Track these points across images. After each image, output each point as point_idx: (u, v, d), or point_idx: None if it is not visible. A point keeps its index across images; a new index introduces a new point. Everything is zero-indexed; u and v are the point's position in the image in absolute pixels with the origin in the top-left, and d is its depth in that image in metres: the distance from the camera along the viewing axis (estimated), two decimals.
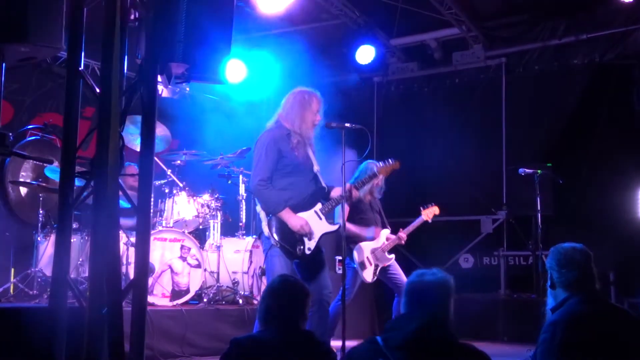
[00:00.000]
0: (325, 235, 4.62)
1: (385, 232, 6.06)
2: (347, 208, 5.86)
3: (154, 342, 5.31)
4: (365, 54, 8.99)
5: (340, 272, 5.17)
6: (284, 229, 4.48)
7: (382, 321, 7.83)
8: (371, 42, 8.99)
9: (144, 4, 3.66)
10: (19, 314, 4.55)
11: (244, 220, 7.28)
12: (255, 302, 6.48)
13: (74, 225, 5.54)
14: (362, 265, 5.85)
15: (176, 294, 6.12)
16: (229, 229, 7.36)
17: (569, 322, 2.75)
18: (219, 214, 6.98)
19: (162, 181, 6.94)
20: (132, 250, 5.71)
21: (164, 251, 6.17)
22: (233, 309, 6.29)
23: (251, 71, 8.74)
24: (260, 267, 6.78)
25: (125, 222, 6.02)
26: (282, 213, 4.47)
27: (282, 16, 8.02)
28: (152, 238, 5.63)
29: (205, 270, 6.40)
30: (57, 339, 3.48)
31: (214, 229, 6.96)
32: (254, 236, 7.00)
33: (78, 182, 3.88)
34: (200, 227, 7.01)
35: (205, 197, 6.90)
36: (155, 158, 4.59)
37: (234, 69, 8.37)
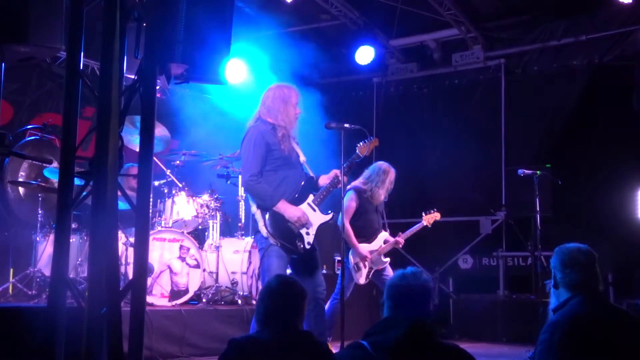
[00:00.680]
0: (322, 229, 4.61)
1: (384, 235, 6.06)
2: (353, 206, 5.85)
3: (153, 342, 5.32)
4: (365, 55, 9.00)
5: (340, 272, 5.17)
6: (281, 227, 4.48)
7: None
8: (371, 42, 9.00)
9: (144, 4, 3.65)
10: (18, 314, 4.56)
11: (243, 221, 7.28)
12: (254, 302, 6.48)
13: (73, 225, 5.54)
14: (357, 267, 5.87)
15: (175, 294, 6.12)
16: (228, 229, 7.37)
17: (569, 323, 2.75)
18: (218, 214, 6.98)
19: (162, 181, 6.95)
20: (131, 250, 5.71)
21: (163, 251, 6.17)
22: (232, 309, 6.29)
23: (251, 71, 8.73)
24: (259, 267, 6.77)
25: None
26: (279, 205, 4.47)
27: (282, 16, 8.02)
28: (151, 238, 5.63)
29: (204, 270, 6.40)
30: (56, 339, 3.47)
31: (213, 229, 6.96)
32: (253, 236, 6.99)
33: (77, 182, 3.88)
34: (200, 227, 7.01)
35: (205, 198, 6.90)
36: (155, 158, 4.59)
37: (234, 70, 8.36)
